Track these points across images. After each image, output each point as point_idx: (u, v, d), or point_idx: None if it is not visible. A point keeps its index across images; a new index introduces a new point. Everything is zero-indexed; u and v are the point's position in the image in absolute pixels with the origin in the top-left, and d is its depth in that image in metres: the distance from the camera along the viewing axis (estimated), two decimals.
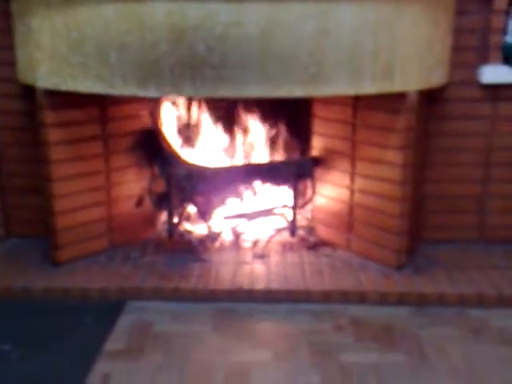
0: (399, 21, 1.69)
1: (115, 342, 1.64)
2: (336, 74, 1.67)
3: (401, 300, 1.83)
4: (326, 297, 1.83)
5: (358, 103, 1.93)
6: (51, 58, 1.75)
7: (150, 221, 2.23)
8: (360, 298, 1.83)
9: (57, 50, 1.73)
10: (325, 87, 1.68)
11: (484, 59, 1.97)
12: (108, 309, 1.80)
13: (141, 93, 1.70)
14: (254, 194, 2.21)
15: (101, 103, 1.97)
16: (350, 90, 1.71)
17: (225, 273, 1.95)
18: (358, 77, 1.68)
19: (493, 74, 1.96)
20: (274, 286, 1.87)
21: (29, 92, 1.97)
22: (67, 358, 1.57)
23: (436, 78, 1.87)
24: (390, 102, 1.83)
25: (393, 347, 1.61)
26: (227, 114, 2.22)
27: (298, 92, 1.68)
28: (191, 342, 1.63)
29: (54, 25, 1.71)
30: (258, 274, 1.95)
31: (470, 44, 1.97)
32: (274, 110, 2.20)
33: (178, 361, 1.55)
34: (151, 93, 1.69)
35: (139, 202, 2.17)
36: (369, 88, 1.71)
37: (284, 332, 1.69)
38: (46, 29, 1.73)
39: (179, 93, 1.71)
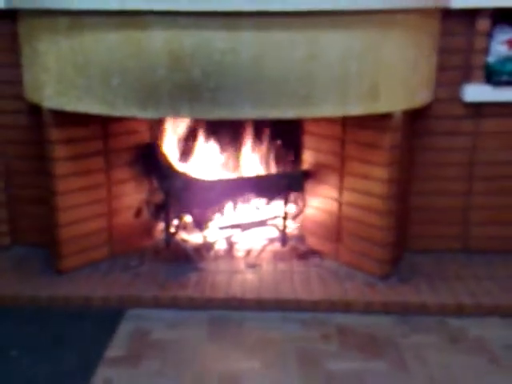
0: (384, 45, 1.79)
1: (115, 348, 1.74)
2: (324, 96, 1.77)
3: (385, 309, 1.93)
4: (314, 306, 1.94)
5: (347, 121, 2.03)
6: (57, 80, 1.85)
7: (148, 230, 2.33)
8: (346, 307, 1.94)
9: (62, 73, 1.83)
10: (314, 109, 1.78)
11: (467, 78, 2.07)
12: (108, 316, 1.91)
13: (141, 114, 1.80)
14: (248, 205, 2.32)
15: (103, 120, 2.06)
16: (337, 112, 1.81)
17: (219, 282, 2.06)
18: (345, 99, 1.79)
19: (475, 92, 2.06)
20: (265, 295, 1.97)
21: (35, 108, 2.07)
22: (71, 363, 1.67)
23: (421, 97, 1.97)
24: (376, 120, 1.93)
25: (376, 355, 1.71)
26: (222, 129, 2.31)
27: (289, 114, 1.78)
28: (187, 349, 1.74)
29: (60, 49, 1.81)
30: (250, 283, 2.05)
31: (454, 64, 2.06)
32: (266, 126, 2.30)
33: (174, 367, 1.66)
34: (150, 114, 1.80)
35: (138, 213, 2.27)
36: (355, 109, 1.82)
37: (273, 340, 1.79)
38: (52, 52, 1.83)
39: (177, 114, 1.81)
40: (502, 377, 1.62)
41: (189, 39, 1.68)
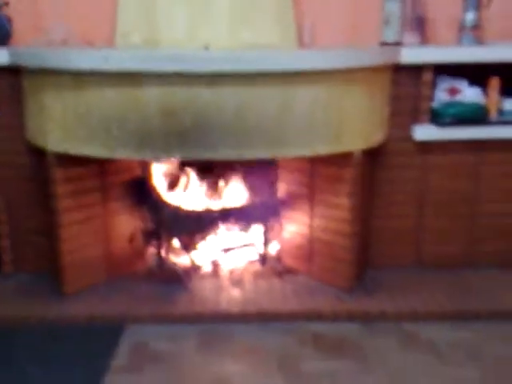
0: (345, 97, 2.12)
1: (119, 360, 1.99)
2: (295, 140, 2.08)
3: (350, 317, 2.24)
4: (291, 316, 2.24)
5: (315, 158, 2.35)
6: (62, 128, 2.11)
7: (141, 255, 2.60)
8: (318, 316, 2.24)
9: (66, 123, 2.09)
10: (286, 150, 2.09)
11: (416, 120, 2.42)
12: (110, 332, 2.15)
13: (137, 156, 2.08)
14: (231, 231, 2.61)
15: (99, 160, 2.31)
16: (306, 152, 2.12)
17: (207, 298, 2.33)
18: (313, 142, 2.11)
19: (423, 132, 2.40)
20: (248, 308, 2.26)
21: (34, 149, 2.33)
22: (80, 375, 1.91)
23: (376, 138, 2.31)
24: (339, 158, 2.25)
25: (343, 356, 2.01)
26: (207, 164, 2.61)
27: (264, 154, 2.08)
28: (182, 359, 2.00)
29: (65, 102, 2.07)
30: (234, 298, 2.34)
31: (405, 108, 2.40)
32: (247, 162, 2.61)
33: (171, 374, 1.91)
34: (146, 156, 2.08)
35: (131, 240, 2.54)
36: (321, 150, 2.14)
37: (257, 347, 2.08)
38: (57, 106, 2.09)
39: (169, 156, 2.10)
40: (445, 368, 1.95)
41: (178, 95, 1.97)
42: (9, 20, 2.43)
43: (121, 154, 2.08)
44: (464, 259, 2.59)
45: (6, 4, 2.40)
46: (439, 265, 2.59)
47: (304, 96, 2.05)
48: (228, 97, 1.99)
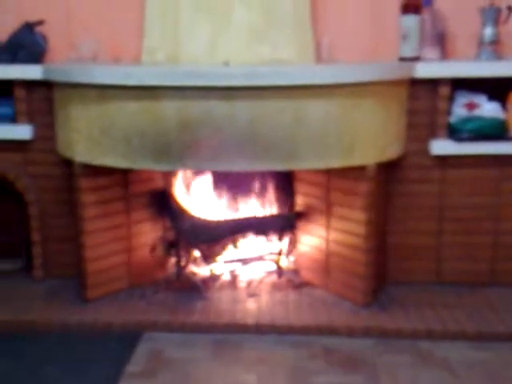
0: (358, 110, 2.15)
1: (135, 365, 2.05)
2: (308, 152, 2.12)
3: (365, 333, 2.23)
4: (305, 330, 2.25)
5: (331, 170, 2.36)
6: (86, 140, 2.23)
7: (162, 264, 2.67)
8: (332, 331, 2.24)
9: (91, 134, 2.21)
10: (300, 163, 2.14)
11: (433, 135, 2.42)
12: (128, 338, 2.22)
13: (156, 167, 2.18)
14: (249, 242, 2.66)
15: (123, 171, 2.41)
16: (319, 165, 2.16)
17: (223, 309, 2.37)
18: (325, 155, 2.14)
19: (440, 147, 2.40)
20: (263, 320, 2.28)
21: (65, 161, 2.45)
22: (98, 377, 1.98)
23: (391, 151, 2.31)
24: (354, 171, 2.26)
25: (355, 371, 2.00)
26: (226, 176, 2.68)
27: (278, 167, 2.15)
28: (194, 366, 2.05)
29: (89, 115, 2.19)
30: (250, 310, 2.37)
31: (422, 122, 2.41)
32: (265, 174, 2.66)
33: (184, 381, 1.97)
34: (164, 167, 2.17)
35: (153, 249, 2.62)
36: (334, 163, 2.17)
37: (269, 359, 2.09)
38: (83, 117, 2.21)
39: (185, 167, 2.18)
40: None
41: (195, 108, 2.05)
42: (44, 38, 2.59)
43: (140, 164, 2.17)
44: (485, 277, 2.54)
45: (42, 23, 2.56)
46: (459, 282, 2.54)
47: (317, 110, 2.09)
48: (243, 110, 2.06)
